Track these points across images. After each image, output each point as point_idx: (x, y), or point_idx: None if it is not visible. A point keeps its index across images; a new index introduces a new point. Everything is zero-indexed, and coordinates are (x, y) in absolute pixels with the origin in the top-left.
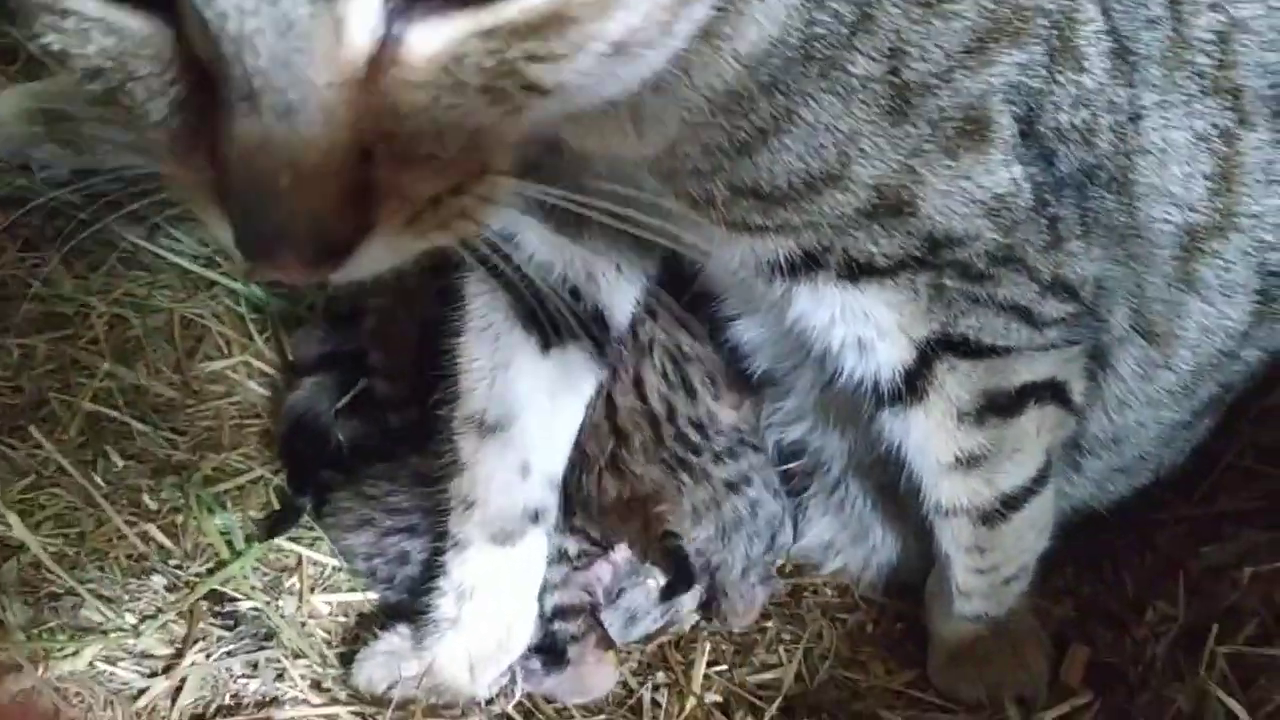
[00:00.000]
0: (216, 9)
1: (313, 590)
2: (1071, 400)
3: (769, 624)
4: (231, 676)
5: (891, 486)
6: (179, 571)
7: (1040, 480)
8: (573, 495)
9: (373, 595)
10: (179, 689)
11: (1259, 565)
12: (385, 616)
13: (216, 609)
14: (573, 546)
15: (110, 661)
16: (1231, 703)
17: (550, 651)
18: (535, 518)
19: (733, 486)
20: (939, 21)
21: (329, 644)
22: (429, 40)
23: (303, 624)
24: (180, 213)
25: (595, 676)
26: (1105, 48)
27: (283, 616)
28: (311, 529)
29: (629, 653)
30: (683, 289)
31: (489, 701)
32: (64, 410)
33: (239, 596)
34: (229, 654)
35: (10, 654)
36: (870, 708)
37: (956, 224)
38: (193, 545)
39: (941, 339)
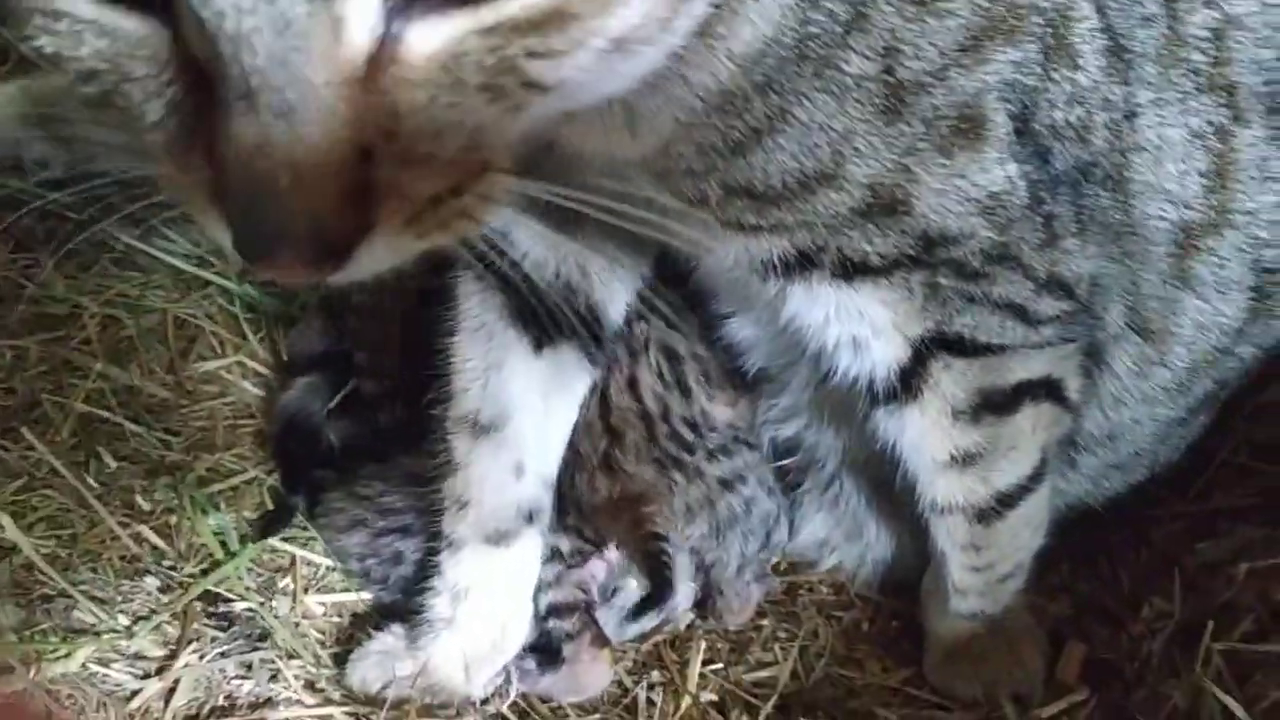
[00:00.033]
0: (214, 8)
1: (307, 591)
2: (1067, 398)
3: (764, 622)
4: (225, 677)
5: (886, 483)
6: (172, 572)
7: (1036, 478)
8: (566, 493)
9: (367, 595)
10: (172, 690)
11: (1254, 561)
12: (379, 617)
13: (210, 610)
14: (566, 544)
15: (103, 663)
16: (1227, 699)
17: (545, 651)
18: (530, 517)
19: (727, 484)
20: (933, 20)
21: (323, 644)
22: (429, 38)
23: (297, 624)
24: (176, 214)
25: (590, 675)
26: (1100, 45)
27: (277, 617)
28: (305, 530)
29: (624, 651)
30: (678, 288)
31: (484, 701)
32: (56, 411)
33: (233, 597)
34: (223, 655)
35: (2, 656)
36: (866, 706)
37: (951, 222)
38: (186, 546)
39: (936, 337)
